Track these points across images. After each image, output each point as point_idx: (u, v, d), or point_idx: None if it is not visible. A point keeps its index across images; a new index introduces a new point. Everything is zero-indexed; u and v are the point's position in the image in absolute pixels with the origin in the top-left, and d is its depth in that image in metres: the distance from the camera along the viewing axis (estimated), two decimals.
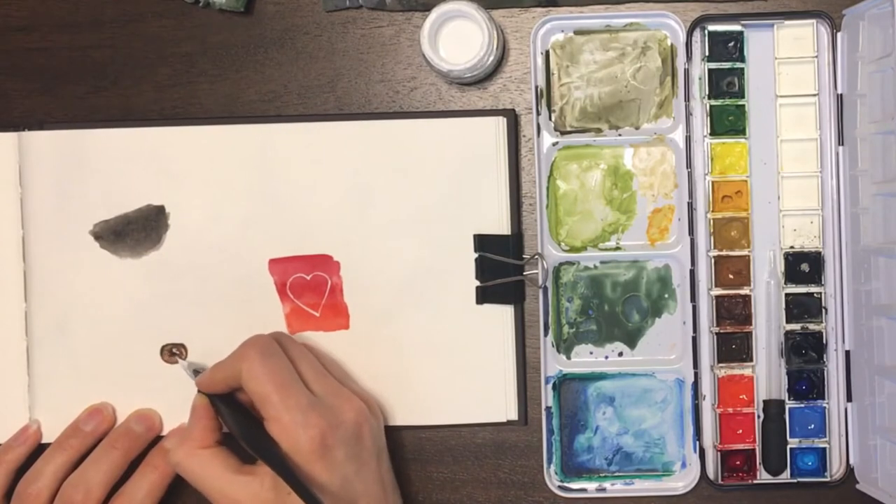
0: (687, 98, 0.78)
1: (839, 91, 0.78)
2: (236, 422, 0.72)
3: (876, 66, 0.75)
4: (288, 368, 0.72)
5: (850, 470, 0.78)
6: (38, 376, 0.79)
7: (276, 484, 0.70)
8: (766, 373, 0.79)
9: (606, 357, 0.79)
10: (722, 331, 0.78)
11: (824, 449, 0.78)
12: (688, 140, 0.78)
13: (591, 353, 0.79)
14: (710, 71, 0.78)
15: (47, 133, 0.79)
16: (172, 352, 0.79)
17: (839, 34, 0.78)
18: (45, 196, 0.79)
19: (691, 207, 0.78)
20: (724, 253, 0.78)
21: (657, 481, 0.79)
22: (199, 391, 0.74)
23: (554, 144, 0.79)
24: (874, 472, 0.76)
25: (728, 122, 0.78)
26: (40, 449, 0.78)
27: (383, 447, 0.75)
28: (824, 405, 0.78)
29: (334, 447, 0.71)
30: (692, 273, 0.78)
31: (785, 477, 0.78)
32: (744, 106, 0.78)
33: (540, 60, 0.79)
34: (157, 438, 0.79)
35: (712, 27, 0.78)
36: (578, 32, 0.79)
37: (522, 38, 0.80)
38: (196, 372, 0.76)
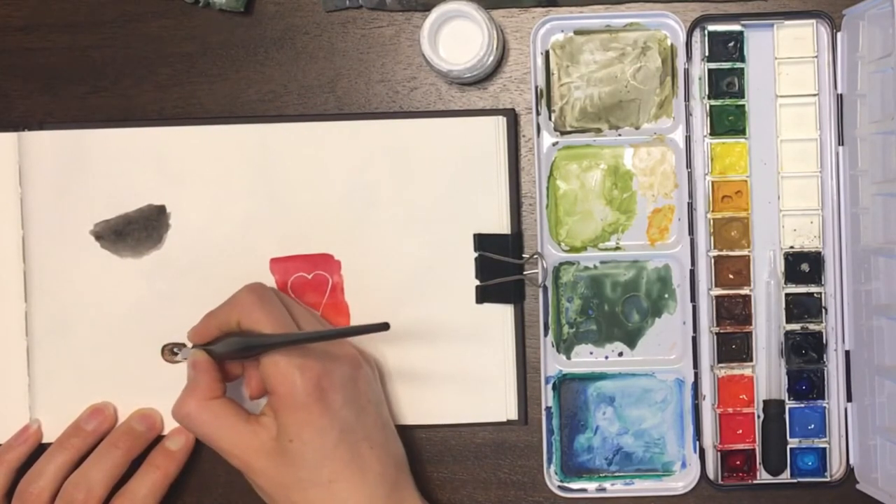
0: (687, 98, 0.78)
1: (839, 91, 0.78)
2: (237, 346, 0.72)
3: (876, 66, 0.75)
4: (284, 313, 0.73)
5: (850, 470, 0.78)
6: (38, 376, 0.79)
7: (279, 432, 0.71)
8: (766, 373, 0.79)
9: (606, 357, 0.79)
10: (722, 331, 0.78)
11: (824, 449, 0.78)
12: (688, 140, 0.78)
13: (591, 353, 0.79)
14: (710, 71, 0.78)
15: (47, 133, 0.79)
16: (173, 351, 0.79)
17: (839, 34, 0.78)
18: (45, 196, 0.79)
19: (691, 207, 0.78)
20: (724, 253, 0.79)
21: (657, 481, 0.79)
22: (193, 346, 0.74)
23: (554, 144, 0.79)
24: (874, 472, 0.76)
25: (728, 122, 0.78)
26: (41, 449, 0.78)
27: (381, 396, 0.76)
28: (824, 405, 0.78)
29: (330, 390, 0.71)
30: (692, 273, 0.78)
31: (785, 477, 0.78)
32: (744, 106, 0.78)
33: (540, 60, 0.79)
34: (159, 438, 0.79)
35: (712, 27, 0.78)
36: (578, 32, 0.79)
37: (522, 38, 0.80)
38: (179, 351, 0.77)
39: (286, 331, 0.72)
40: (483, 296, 0.78)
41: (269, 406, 0.72)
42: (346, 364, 0.73)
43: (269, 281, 0.79)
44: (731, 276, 0.79)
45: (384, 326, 0.69)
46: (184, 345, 0.78)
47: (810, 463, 0.78)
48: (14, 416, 0.79)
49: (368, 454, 0.72)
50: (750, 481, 0.78)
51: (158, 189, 0.79)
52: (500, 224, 0.79)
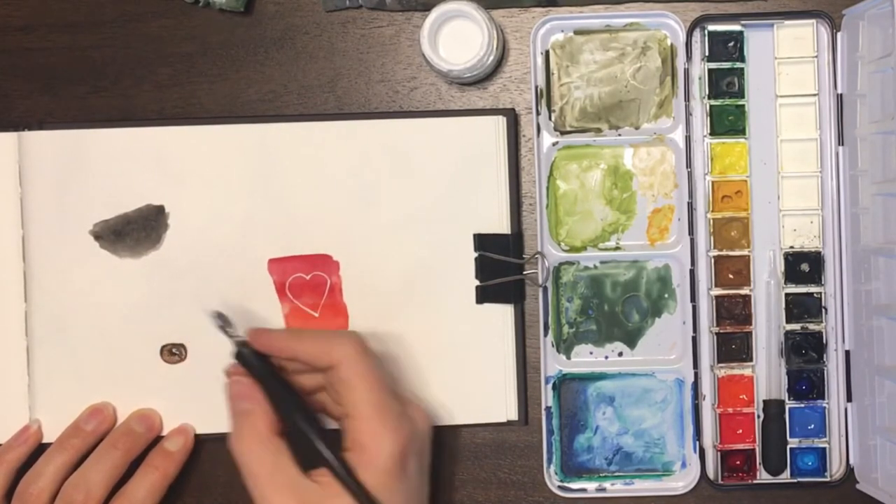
0: (687, 98, 0.78)
1: (839, 91, 0.78)
2: (289, 396, 0.67)
3: (876, 66, 0.75)
4: (383, 371, 0.70)
5: (850, 470, 0.78)
6: (38, 376, 0.79)
7: (335, 496, 0.67)
8: (766, 373, 0.79)
9: (606, 357, 0.79)
10: (722, 331, 0.78)
11: (824, 449, 0.78)
12: (688, 140, 0.78)
13: (591, 353, 0.79)
14: (710, 71, 0.78)
15: (47, 133, 0.79)
16: (172, 352, 0.79)
17: (839, 34, 0.78)
18: (45, 196, 0.79)
19: (691, 207, 0.78)
20: (724, 253, 0.78)
21: (657, 481, 0.79)
22: (237, 359, 0.69)
23: (554, 144, 0.79)
24: (874, 472, 0.76)
25: (728, 122, 0.78)
26: (41, 449, 0.78)
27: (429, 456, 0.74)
28: (824, 405, 0.78)
29: (409, 458, 0.69)
30: (692, 273, 0.78)
31: (785, 477, 0.78)
32: (744, 106, 0.78)
33: (540, 60, 0.79)
34: (158, 438, 0.79)
35: (712, 27, 0.78)
36: (578, 32, 0.79)
37: (522, 38, 0.80)
38: (225, 324, 0.71)
39: (382, 392, 0.68)
40: (483, 296, 0.78)
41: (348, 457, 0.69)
42: (425, 430, 0.72)
43: (267, 281, 0.79)
44: (731, 276, 0.79)
45: None
46: (182, 345, 0.78)
47: (810, 463, 0.78)
48: (14, 416, 0.79)
49: None
50: (750, 481, 0.78)
51: (157, 189, 0.79)
52: (500, 224, 0.79)
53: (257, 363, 0.70)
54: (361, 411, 0.68)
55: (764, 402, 0.78)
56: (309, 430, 0.68)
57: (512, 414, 0.79)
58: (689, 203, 0.78)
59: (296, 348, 0.70)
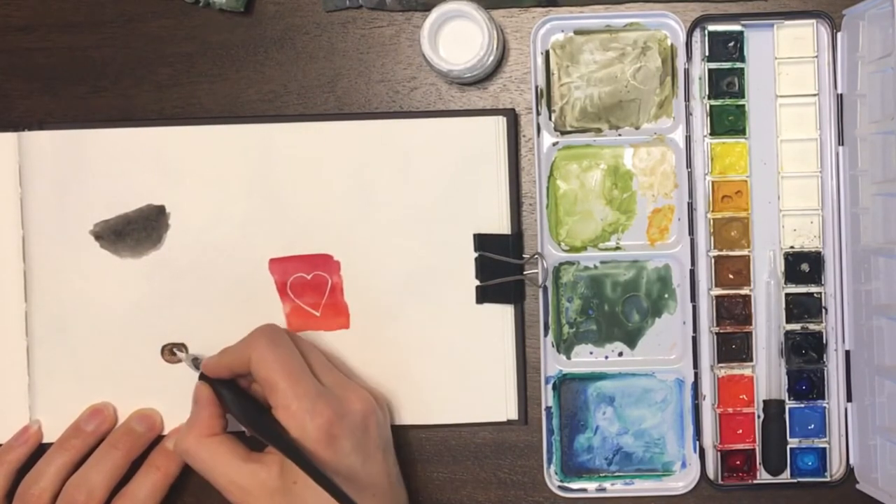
0: (687, 98, 0.78)
1: (839, 91, 0.78)
2: (243, 407, 0.73)
3: (876, 66, 0.75)
4: (297, 357, 0.72)
5: (850, 470, 0.78)
6: (38, 376, 0.79)
7: (282, 472, 0.71)
8: (766, 373, 0.79)
9: (606, 357, 0.79)
10: (722, 331, 0.79)
11: (824, 449, 0.78)
12: (688, 140, 0.78)
13: (591, 353, 0.79)
14: (710, 71, 0.78)
15: (47, 133, 0.79)
16: (173, 351, 0.79)
17: (839, 34, 0.78)
18: (45, 196, 0.79)
19: (691, 207, 0.78)
20: (724, 253, 0.79)
21: (657, 481, 0.79)
22: (200, 379, 0.74)
23: (554, 144, 0.79)
24: (874, 472, 0.76)
25: (728, 122, 0.78)
26: (41, 449, 0.78)
27: (390, 441, 0.75)
28: (824, 405, 0.78)
29: (341, 437, 0.71)
30: (692, 273, 0.78)
31: (785, 477, 0.78)
32: (744, 106, 0.78)
33: (540, 60, 0.79)
34: (159, 438, 0.79)
35: (712, 27, 0.78)
36: (578, 32, 0.79)
37: (522, 38, 0.80)
38: (196, 362, 0.76)
39: (294, 378, 0.71)
40: (483, 296, 0.78)
41: None
42: (358, 410, 0.72)
43: (268, 281, 0.79)
44: (731, 276, 0.79)
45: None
46: (183, 345, 0.78)
47: (810, 463, 0.78)
48: (14, 416, 0.79)
49: (370, 502, 0.72)
50: (750, 481, 0.78)
51: (158, 189, 0.79)
52: (500, 224, 0.79)
53: (218, 382, 0.75)
54: (279, 401, 0.71)
55: (764, 402, 0.78)
56: (247, 422, 0.73)
57: (512, 414, 0.79)
58: (689, 203, 0.78)
59: (223, 364, 0.73)
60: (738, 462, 0.78)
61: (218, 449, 0.72)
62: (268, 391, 0.71)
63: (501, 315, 0.79)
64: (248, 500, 0.71)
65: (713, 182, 0.78)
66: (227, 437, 0.73)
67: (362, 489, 0.71)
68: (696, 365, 0.78)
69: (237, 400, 0.73)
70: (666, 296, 0.79)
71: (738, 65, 0.78)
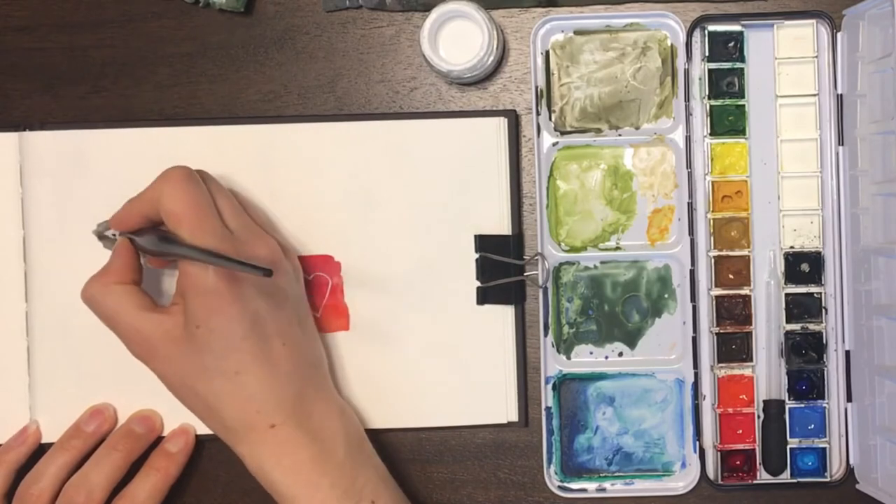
0: (687, 98, 0.78)
1: (839, 91, 0.78)
2: (153, 240, 0.71)
3: (876, 67, 0.75)
4: (207, 197, 0.71)
5: (850, 470, 0.78)
6: (38, 376, 0.79)
7: (186, 320, 0.69)
8: (766, 373, 0.79)
9: (606, 357, 0.79)
10: (722, 331, 0.79)
11: (824, 449, 0.78)
12: (688, 140, 0.78)
13: (591, 353, 0.79)
14: (710, 71, 0.78)
15: (47, 133, 0.79)
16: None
17: (839, 34, 0.78)
18: (46, 196, 0.79)
19: (691, 207, 0.78)
20: (724, 253, 0.79)
21: (657, 481, 0.79)
22: (119, 234, 0.73)
23: (554, 144, 0.79)
24: (874, 472, 0.76)
25: (728, 122, 0.78)
26: (41, 449, 0.78)
27: (301, 297, 0.74)
28: (824, 405, 0.78)
29: (244, 280, 0.69)
30: (692, 273, 0.78)
31: (785, 477, 0.78)
32: (744, 106, 0.78)
33: (540, 60, 0.79)
34: (159, 439, 0.79)
35: (712, 27, 0.78)
36: (578, 32, 0.79)
37: (522, 38, 0.80)
38: (103, 224, 0.74)
39: (200, 215, 0.69)
40: (484, 297, 0.78)
41: (178, 292, 0.71)
42: (263, 256, 0.71)
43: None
44: (731, 276, 0.79)
45: (268, 273, 0.67)
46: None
47: (810, 463, 0.78)
48: (14, 416, 0.79)
49: (280, 350, 0.70)
50: (750, 481, 0.78)
51: None
52: (500, 225, 0.79)
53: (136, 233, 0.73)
54: (183, 236, 0.69)
55: (764, 402, 0.78)
56: (162, 251, 0.71)
57: (512, 414, 0.79)
58: (689, 203, 0.78)
59: (134, 211, 0.72)
60: (738, 462, 0.78)
61: (123, 296, 0.71)
62: (174, 226, 0.70)
63: (502, 316, 0.79)
64: (149, 348, 0.70)
65: (713, 182, 0.78)
66: (135, 288, 0.72)
67: (270, 336, 0.70)
68: (696, 365, 0.78)
69: (150, 238, 0.71)
70: (666, 296, 0.79)
71: (738, 65, 0.78)
